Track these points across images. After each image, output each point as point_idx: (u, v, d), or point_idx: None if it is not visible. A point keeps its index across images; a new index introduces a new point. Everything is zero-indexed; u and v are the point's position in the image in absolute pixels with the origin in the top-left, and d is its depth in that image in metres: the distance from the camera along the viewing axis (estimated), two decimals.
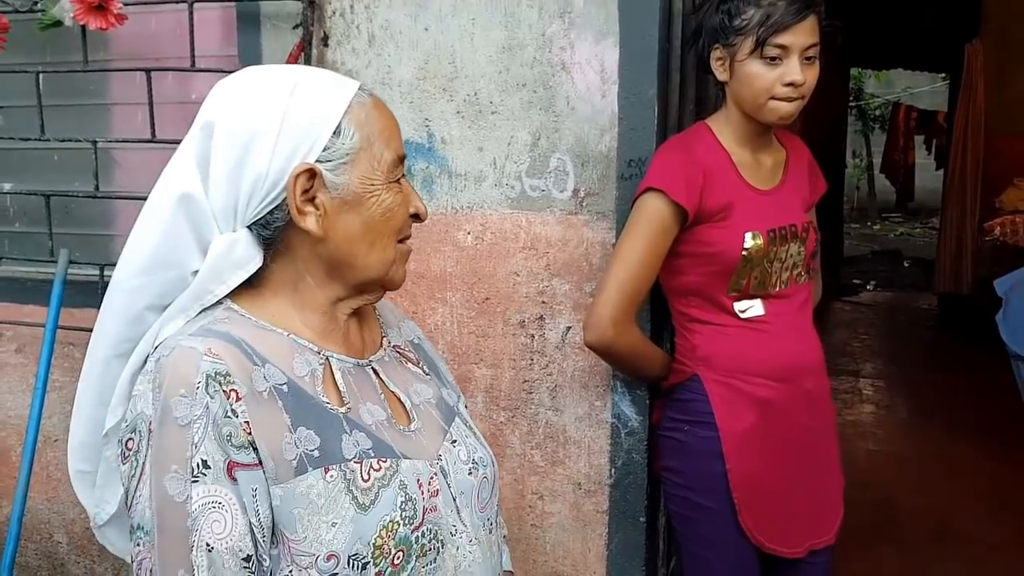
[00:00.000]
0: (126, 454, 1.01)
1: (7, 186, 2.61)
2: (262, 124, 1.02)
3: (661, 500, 2.12)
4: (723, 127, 1.87)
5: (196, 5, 2.20)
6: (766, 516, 1.83)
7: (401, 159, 1.10)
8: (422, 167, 2.15)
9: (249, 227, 1.05)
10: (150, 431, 0.98)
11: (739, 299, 1.84)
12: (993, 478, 4.16)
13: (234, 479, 0.97)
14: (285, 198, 1.02)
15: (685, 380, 1.88)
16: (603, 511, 2.13)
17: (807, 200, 1.97)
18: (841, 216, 10.47)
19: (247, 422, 0.98)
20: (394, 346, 1.22)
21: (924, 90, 14.56)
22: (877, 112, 15.91)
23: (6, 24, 2.23)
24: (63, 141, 2.37)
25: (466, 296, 2.16)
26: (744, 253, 1.79)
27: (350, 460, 1.02)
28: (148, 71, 2.24)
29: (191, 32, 2.19)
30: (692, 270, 1.85)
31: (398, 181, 1.10)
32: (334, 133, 1.04)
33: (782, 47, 1.73)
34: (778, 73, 1.75)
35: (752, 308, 1.85)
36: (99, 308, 1.12)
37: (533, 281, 2.11)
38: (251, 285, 1.08)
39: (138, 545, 0.99)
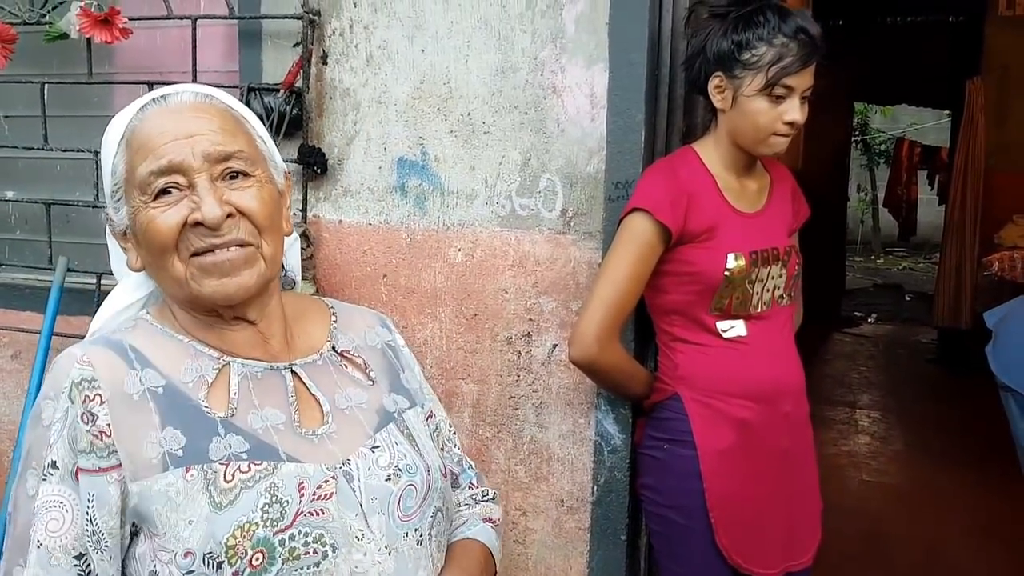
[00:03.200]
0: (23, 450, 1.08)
1: (9, 194, 2.65)
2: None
3: (643, 519, 2.13)
4: (710, 151, 1.90)
5: (199, 21, 2.25)
6: (743, 536, 1.84)
7: (165, 170, 1.06)
8: (415, 184, 2.20)
9: None
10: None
11: (721, 319, 1.86)
12: (985, 511, 4.16)
13: (77, 483, 1.02)
14: None
15: (666, 399, 1.90)
16: (585, 528, 2.15)
17: (790, 225, 2.00)
18: (844, 249, 10.49)
19: (108, 424, 1.02)
20: (341, 351, 1.23)
21: (929, 126, 14.62)
22: (882, 147, 15.98)
23: (13, 35, 2.28)
24: (66, 151, 2.42)
25: (455, 312, 2.20)
26: (726, 273, 1.82)
27: (215, 461, 1.04)
28: (151, 84, 2.28)
29: (194, 47, 2.24)
30: (676, 289, 1.88)
31: (167, 191, 1.07)
32: (112, 174, 1.12)
33: (788, 88, 1.77)
34: (780, 111, 1.79)
35: (734, 328, 1.87)
36: (94, 316, 1.24)
37: (521, 298, 2.14)
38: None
39: (6, 533, 1.06)
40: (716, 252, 1.83)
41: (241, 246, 1.08)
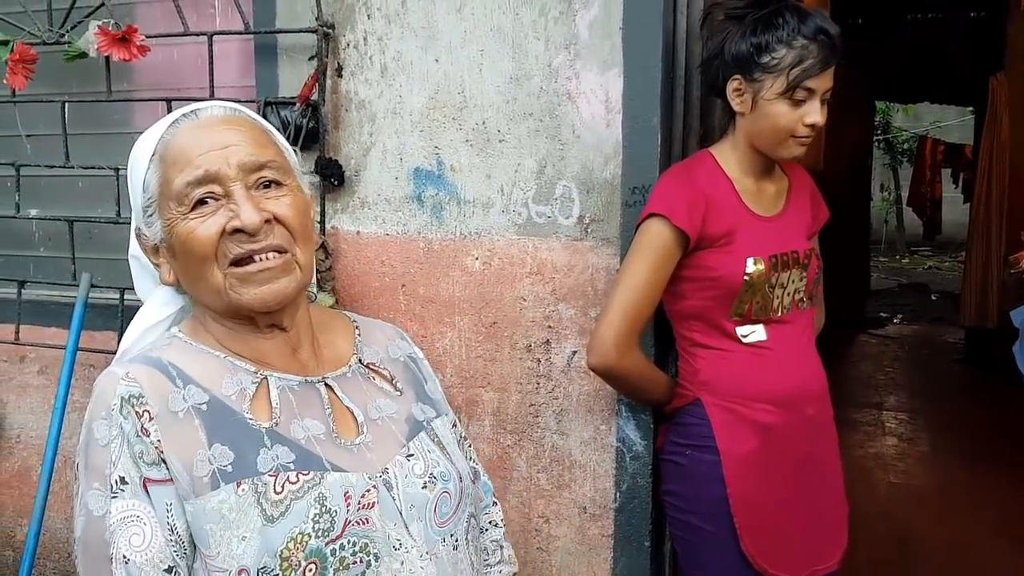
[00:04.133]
0: (76, 474, 1.07)
1: (33, 212, 2.68)
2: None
3: (666, 525, 2.12)
4: (728, 155, 1.89)
5: (216, 38, 2.27)
6: (767, 541, 1.82)
7: (202, 180, 1.07)
8: (432, 194, 2.20)
9: None
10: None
11: (741, 323, 1.85)
12: (1015, 512, 4.10)
13: (149, 494, 1.02)
14: None
15: (687, 404, 1.89)
16: (608, 535, 2.14)
17: (809, 227, 1.99)
18: (868, 249, 10.41)
19: (159, 440, 1.03)
20: (367, 363, 1.25)
21: (952, 123, 14.51)
22: (905, 146, 15.85)
23: (34, 56, 2.32)
24: (87, 168, 2.44)
25: (474, 320, 2.20)
26: (746, 278, 1.80)
27: (264, 473, 1.04)
28: (169, 101, 2.31)
29: (211, 63, 2.26)
30: (695, 294, 1.87)
31: (204, 202, 1.08)
32: (143, 190, 1.13)
33: (809, 90, 1.76)
34: (800, 114, 1.77)
35: (754, 333, 1.86)
36: (119, 331, 1.26)
37: (539, 306, 2.14)
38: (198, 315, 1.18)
39: (76, 557, 1.04)
40: (735, 256, 1.82)
41: (278, 252, 1.09)
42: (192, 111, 1.13)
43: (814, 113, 1.77)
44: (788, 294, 1.88)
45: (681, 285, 1.87)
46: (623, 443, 2.10)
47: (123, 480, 1.01)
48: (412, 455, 1.17)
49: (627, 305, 1.82)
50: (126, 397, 1.03)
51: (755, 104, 1.80)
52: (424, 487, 1.14)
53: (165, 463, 1.02)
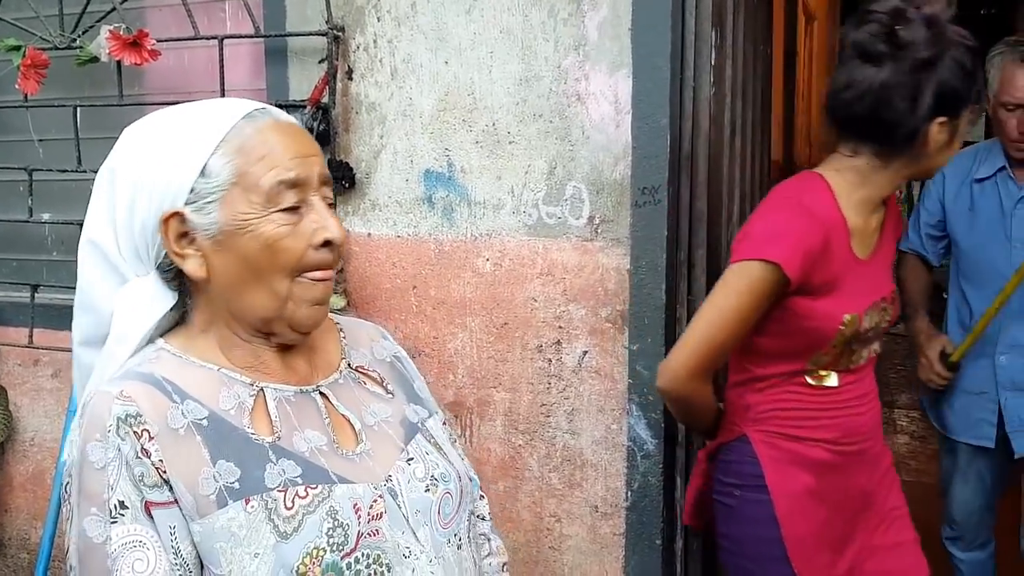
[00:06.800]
0: (65, 498, 1.03)
1: (45, 216, 2.70)
2: (144, 170, 1.03)
3: (678, 523, 2.13)
4: (850, 185, 1.69)
5: (226, 41, 2.29)
6: None
7: (293, 184, 1.03)
8: (442, 195, 2.21)
9: (159, 268, 1.06)
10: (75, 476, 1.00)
11: (815, 371, 1.72)
12: None
13: (152, 518, 0.98)
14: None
15: (732, 440, 1.77)
16: (620, 533, 2.14)
17: (893, 259, 1.85)
18: None
19: (161, 460, 0.98)
20: (356, 367, 1.21)
21: None
22: None
23: (46, 61, 2.33)
24: None
25: (485, 321, 2.20)
26: (837, 334, 1.66)
27: (273, 489, 1.01)
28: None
29: (221, 67, 2.27)
30: (776, 336, 1.71)
31: (291, 209, 1.04)
32: (201, 173, 1.02)
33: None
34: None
35: (827, 379, 1.73)
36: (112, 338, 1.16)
37: (550, 306, 2.15)
38: (183, 323, 1.10)
39: None
40: (832, 311, 1.65)
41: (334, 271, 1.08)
42: (260, 109, 1.08)
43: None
44: (867, 343, 1.75)
45: (765, 323, 1.69)
46: (634, 442, 2.11)
47: (123, 504, 0.97)
48: (412, 459, 1.15)
49: (710, 341, 1.67)
50: (123, 417, 0.98)
51: (955, 137, 1.66)
52: (427, 490, 1.12)
53: (168, 484, 0.98)
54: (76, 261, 1.10)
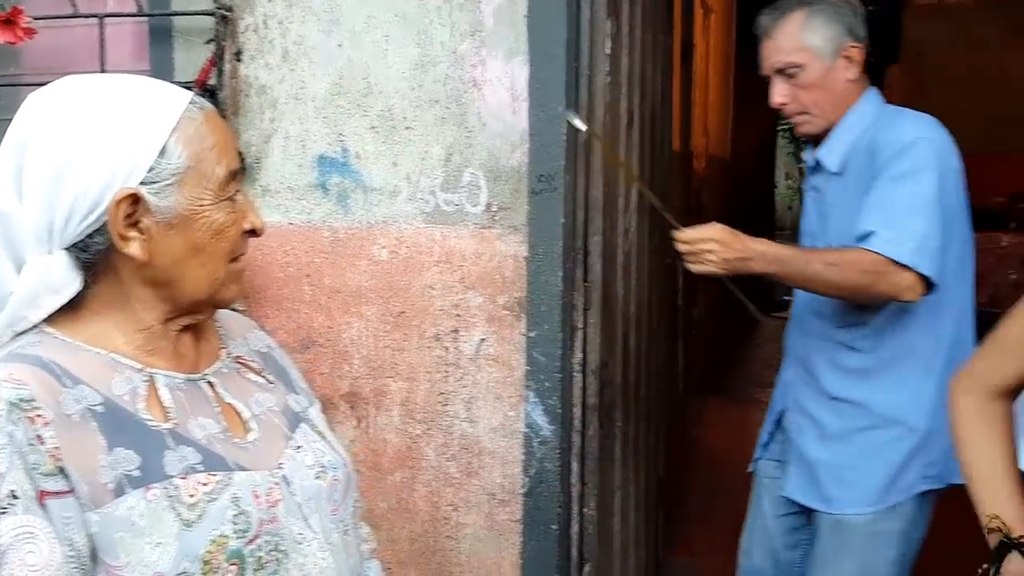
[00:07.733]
0: None
1: None
2: (79, 144, 0.98)
3: (573, 508, 2.15)
4: None
5: (107, 20, 2.19)
6: None
7: (234, 174, 1.07)
8: (337, 182, 2.17)
9: (68, 248, 1.01)
10: None
11: None
12: None
13: (45, 508, 0.93)
14: (106, 222, 0.99)
15: None
16: (517, 520, 2.15)
17: None
18: (774, 235, 10.70)
19: (56, 447, 0.94)
20: (235, 357, 1.20)
21: None
22: None
23: None
24: None
25: (381, 310, 2.18)
26: None
27: (174, 476, 0.99)
28: None
29: (101, 47, 2.18)
30: None
31: (232, 198, 1.07)
32: (160, 154, 1.00)
33: None
34: None
35: None
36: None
37: (447, 294, 2.13)
38: (70, 306, 1.04)
39: None
40: None
41: None
42: (189, 102, 1.05)
43: None
44: None
45: None
46: (531, 428, 2.11)
47: (13, 495, 0.92)
48: (300, 447, 1.15)
49: None
50: (15, 401, 0.93)
51: None
52: (317, 478, 1.13)
53: (63, 472, 0.93)
54: None
